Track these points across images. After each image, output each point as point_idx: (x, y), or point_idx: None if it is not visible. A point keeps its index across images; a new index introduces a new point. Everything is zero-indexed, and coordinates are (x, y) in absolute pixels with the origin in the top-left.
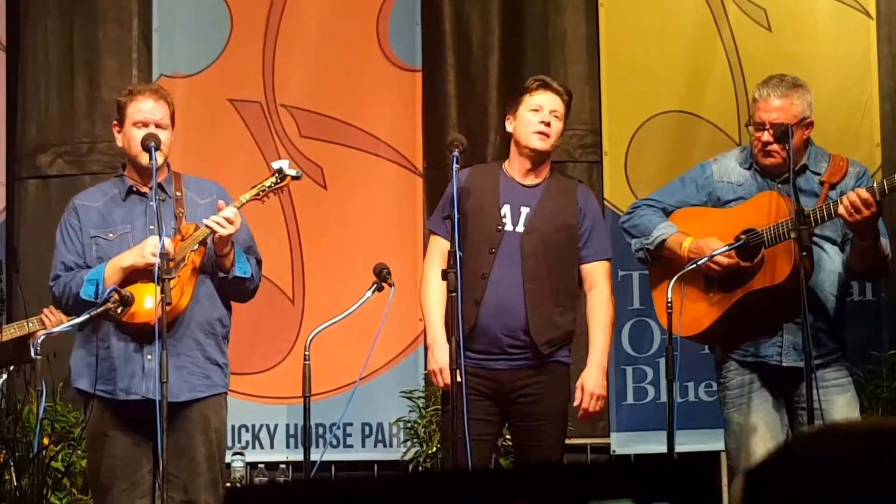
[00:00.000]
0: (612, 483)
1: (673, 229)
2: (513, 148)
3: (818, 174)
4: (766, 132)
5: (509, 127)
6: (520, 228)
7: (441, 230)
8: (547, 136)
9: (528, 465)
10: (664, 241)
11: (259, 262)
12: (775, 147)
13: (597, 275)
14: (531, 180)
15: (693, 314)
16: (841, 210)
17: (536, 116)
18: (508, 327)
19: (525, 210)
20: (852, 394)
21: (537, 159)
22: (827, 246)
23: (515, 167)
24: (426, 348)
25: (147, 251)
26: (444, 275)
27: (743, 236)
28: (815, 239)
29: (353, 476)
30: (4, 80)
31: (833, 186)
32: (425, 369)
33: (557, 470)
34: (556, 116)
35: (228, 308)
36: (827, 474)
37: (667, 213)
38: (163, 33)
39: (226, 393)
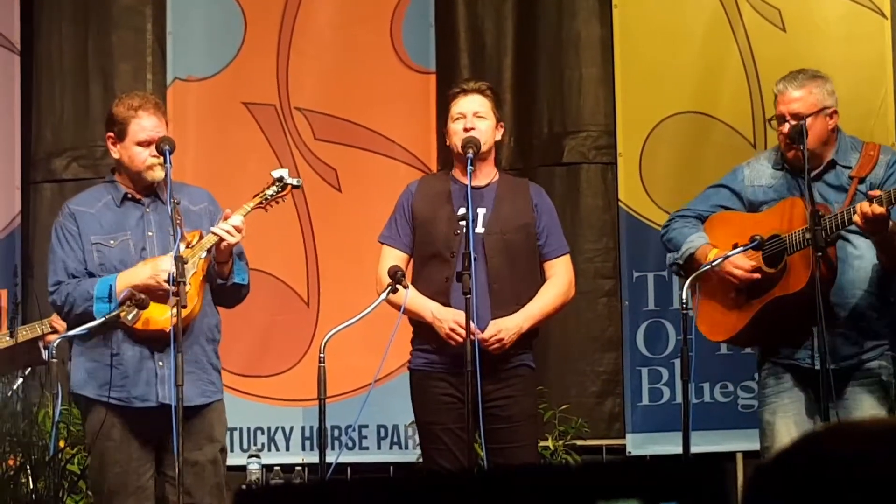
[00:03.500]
0: (619, 483)
1: (702, 241)
2: (455, 160)
3: (848, 167)
4: (787, 124)
5: (448, 142)
6: (479, 229)
7: (394, 241)
8: (476, 137)
9: (536, 465)
10: (692, 254)
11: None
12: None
13: (556, 267)
14: (480, 181)
15: (725, 319)
16: (856, 219)
17: (460, 124)
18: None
19: (482, 211)
20: (882, 394)
21: (477, 162)
22: (858, 240)
23: (461, 174)
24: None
25: (159, 274)
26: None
27: (758, 237)
28: (843, 234)
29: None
30: (19, 85)
31: (862, 180)
32: None
33: (565, 470)
34: (480, 117)
35: (219, 314)
36: (835, 472)
37: (702, 219)
38: (177, 37)
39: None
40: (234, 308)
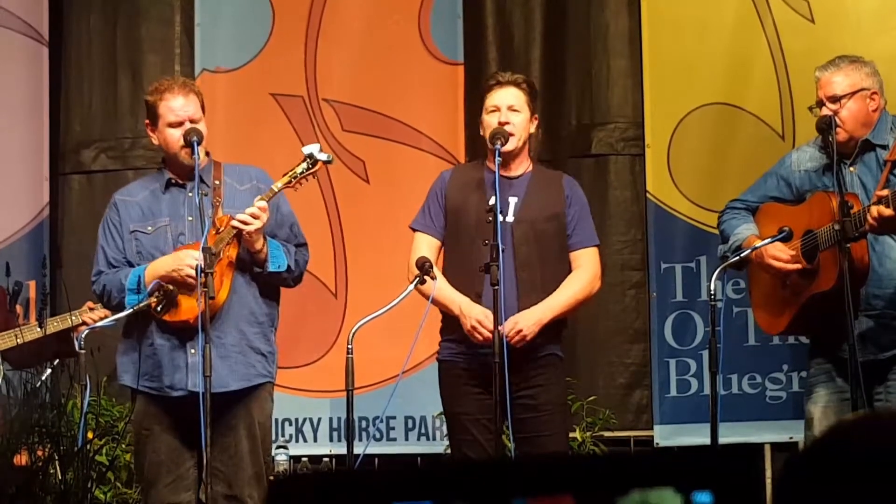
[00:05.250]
0: (654, 472)
1: (748, 232)
2: (489, 151)
3: (884, 147)
4: (824, 108)
5: (481, 132)
6: (510, 218)
7: (427, 228)
8: (510, 134)
9: (570, 454)
10: (739, 245)
11: (303, 246)
12: (838, 122)
13: (583, 259)
14: (513, 172)
15: (772, 313)
16: (869, 222)
17: (494, 118)
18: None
19: (513, 200)
20: None
21: (509, 157)
22: None
23: (493, 163)
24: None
25: (184, 265)
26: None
27: (786, 228)
28: None
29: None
30: (48, 76)
31: (895, 164)
32: None
33: (599, 460)
34: (514, 111)
35: (273, 297)
36: (866, 462)
37: (752, 210)
38: (205, 28)
39: (271, 383)
40: None
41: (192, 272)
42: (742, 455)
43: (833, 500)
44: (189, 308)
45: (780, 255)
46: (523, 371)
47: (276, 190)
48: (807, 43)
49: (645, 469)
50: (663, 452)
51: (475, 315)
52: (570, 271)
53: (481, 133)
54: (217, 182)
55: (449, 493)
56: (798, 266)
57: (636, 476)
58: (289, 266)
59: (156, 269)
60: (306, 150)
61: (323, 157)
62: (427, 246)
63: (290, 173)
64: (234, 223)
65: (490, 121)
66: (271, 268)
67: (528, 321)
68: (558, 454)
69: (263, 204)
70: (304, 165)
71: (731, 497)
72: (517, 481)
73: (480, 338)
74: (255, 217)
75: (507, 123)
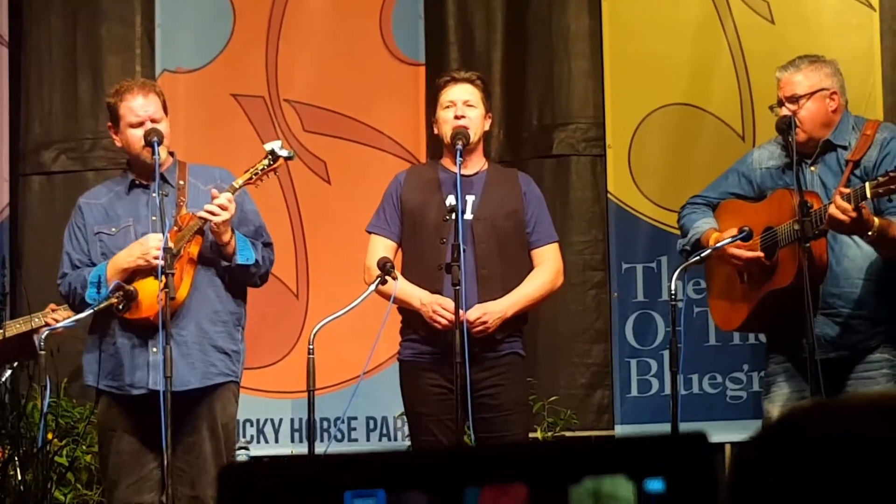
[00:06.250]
0: (606, 460)
1: (708, 226)
2: (444, 149)
3: (845, 147)
4: (784, 108)
5: (436, 131)
6: (468, 216)
7: (383, 230)
8: (466, 127)
9: (522, 442)
10: (698, 239)
11: (269, 245)
12: (797, 122)
13: (545, 255)
14: (469, 170)
15: (729, 307)
16: (826, 221)
17: (450, 112)
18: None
19: (471, 198)
20: (886, 386)
21: (465, 154)
22: None
23: (450, 162)
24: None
25: (149, 252)
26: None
27: (747, 227)
28: None
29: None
30: (7, 77)
31: (857, 164)
32: None
33: (552, 448)
34: (470, 105)
35: (238, 295)
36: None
37: (712, 206)
38: (166, 29)
39: (236, 383)
40: None
41: (158, 260)
42: (694, 442)
43: (786, 484)
44: (150, 305)
45: (740, 245)
46: (484, 369)
47: (237, 186)
48: (767, 44)
49: (597, 457)
50: (616, 441)
51: (436, 300)
52: (530, 267)
53: (435, 131)
54: (181, 182)
55: (402, 483)
56: (758, 255)
57: (589, 464)
58: (256, 260)
59: (117, 262)
60: (268, 146)
61: (284, 153)
62: (383, 248)
63: (252, 170)
64: (202, 213)
65: (446, 116)
66: (239, 260)
67: (492, 313)
68: (511, 443)
69: (230, 195)
70: (266, 162)
71: (683, 484)
72: (470, 470)
73: (444, 322)
74: (222, 208)
75: (464, 117)
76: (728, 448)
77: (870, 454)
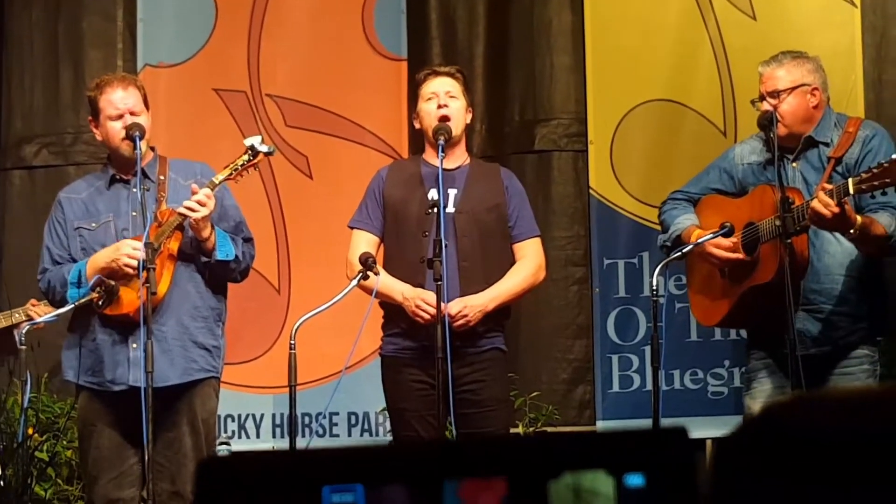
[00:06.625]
0: (586, 455)
1: (689, 222)
2: (426, 143)
3: (826, 144)
4: (766, 103)
5: (417, 125)
6: (450, 209)
7: (365, 225)
8: (448, 117)
9: (502, 435)
10: (679, 235)
11: (249, 241)
12: (778, 118)
13: (527, 249)
14: (451, 164)
15: (709, 303)
16: (814, 203)
17: (433, 104)
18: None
19: (453, 192)
20: (867, 382)
21: (448, 147)
22: None
23: (433, 156)
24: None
25: (122, 255)
26: (364, 261)
27: (728, 223)
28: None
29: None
30: None
31: (839, 161)
32: None
33: (533, 441)
34: (452, 97)
35: (219, 291)
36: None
37: (693, 202)
38: (147, 23)
39: (216, 378)
40: None
41: (132, 262)
42: (675, 438)
43: (767, 479)
44: (130, 301)
45: (721, 242)
46: (466, 364)
47: (217, 182)
48: (749, 40)
49: (577, 451)
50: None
51: (418, 294)
52: (512, 261)
53: (416, 125)
54: (162, 177)
55: (380, 476)
56: (739, 256)
57: (568, 458)
58: (236, 256)
59: (96, 261)
60: (248, 141)
61: (264, 148)
62: (366, 243)
63: (232, 165)
64: (181, 209)
65: (429, 108)
66: (219, 256)
67: (474, 307)
68: (491, 436)
69: (209, 191)
70: (246, 157)
71: (663, 479)
72: (449, 463)
73: (427, 316)
74: (201, 204)
75: (446, 107)
76: (709, 443)
77: (850, 449)
